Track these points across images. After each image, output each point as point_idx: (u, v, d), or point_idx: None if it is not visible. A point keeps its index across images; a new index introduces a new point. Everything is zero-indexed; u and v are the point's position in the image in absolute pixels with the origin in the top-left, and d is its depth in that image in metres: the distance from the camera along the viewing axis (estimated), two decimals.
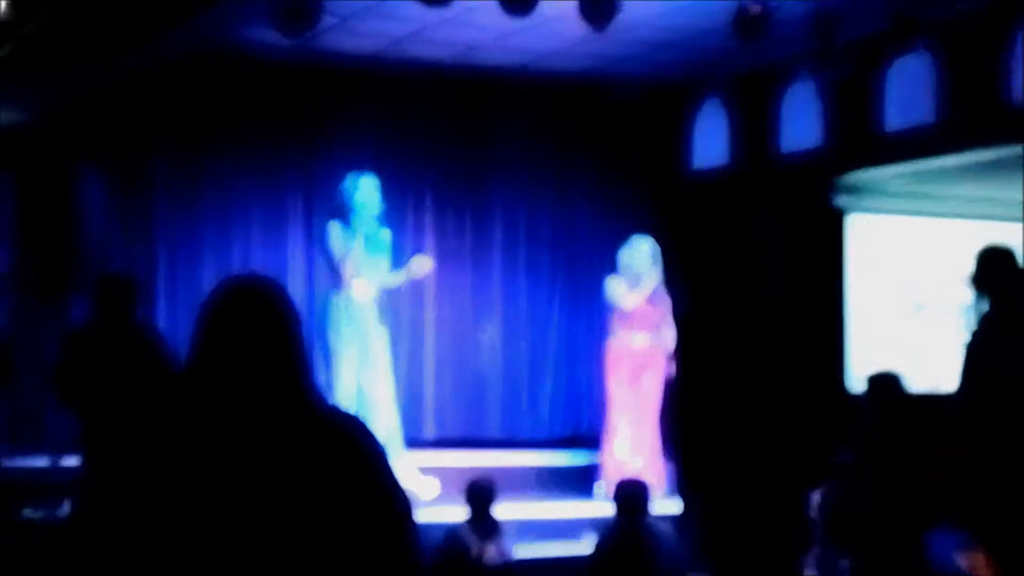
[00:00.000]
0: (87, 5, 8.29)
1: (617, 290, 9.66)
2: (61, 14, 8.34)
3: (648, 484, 7.66)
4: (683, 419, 9.10)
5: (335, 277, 9.05)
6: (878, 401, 6.63)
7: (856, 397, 7.96)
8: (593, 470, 9.74)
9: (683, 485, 9.18)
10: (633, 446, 9.44)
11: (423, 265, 9.22)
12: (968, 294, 6.30)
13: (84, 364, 7.14)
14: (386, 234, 9.17)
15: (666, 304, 9.73)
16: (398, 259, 9.34)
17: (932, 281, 11.15)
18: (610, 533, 7.31)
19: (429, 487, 8.97)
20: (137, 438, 2.76)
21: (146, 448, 2.73)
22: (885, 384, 6.70)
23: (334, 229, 8.96)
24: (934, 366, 9.79)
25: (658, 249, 9.70)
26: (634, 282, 9.62)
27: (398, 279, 9.25)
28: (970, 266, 6.14)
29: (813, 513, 6.62)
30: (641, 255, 9.63)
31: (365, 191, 8.98)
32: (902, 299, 11.06)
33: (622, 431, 9.51)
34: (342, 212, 9.00)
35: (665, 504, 8.68)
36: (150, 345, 7.20)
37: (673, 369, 9.59)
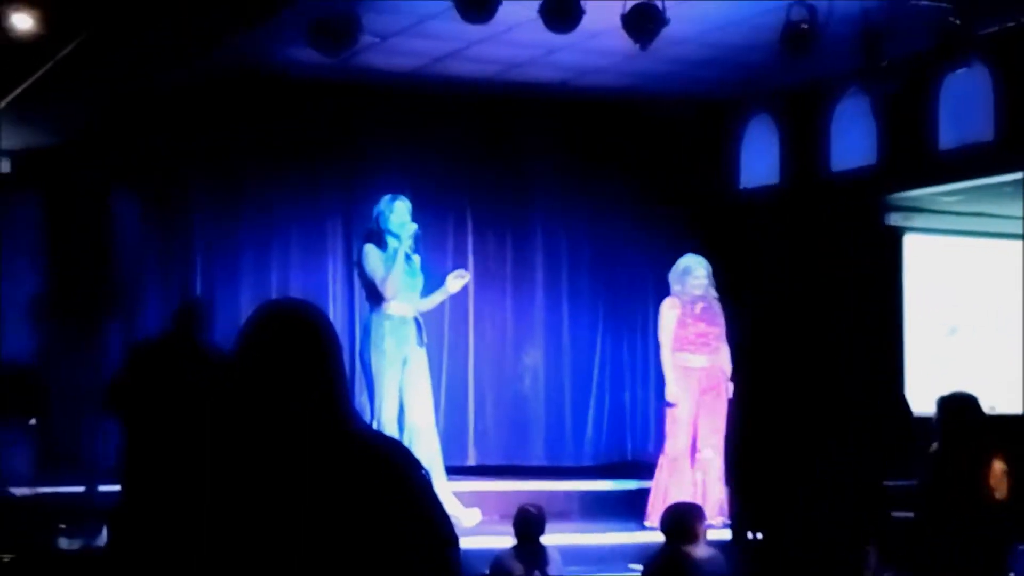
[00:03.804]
0: (124, 25, 8.23)
1: (666, 315, 9.41)
2: (97, 35, 8.29)
3: (698, 509, 7.46)
4: (741, 443, 8.91)
5: (373, 299, 8.93)
6: (950, 424, 6.33)
7: (916, 419, 7.75)
8: (638, 496, 9.52)
9: (742, 512, 8.97)
10: (700, 470, 9.23)
11: (459, 280, 9.06)
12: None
13: (140, 374, 7.44)
14: (416, 259, 9.03)
15: (722, 323, 9.50)
16: (436, 282, 9.17)
17: (987, 302, 10.97)
18: (656, 559, 7.13)
19: (471, 515, 8.83)
20: (174, 462, 2.74)
21: (183, 472, 2.70)
22: (958, 406, 6.41)
23: (371, 251, 8.85)
24: (988, 387, 9.56)
25: (710, 267, 9.48)
26: (688, 302, 9.38)
27: (435, 300, 9.11)
28: None
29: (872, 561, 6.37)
30: (695, 273, 9.39)
31: (399, 214, 8.88)
32: (956, 320, 10.88)
33: (682, 455, 9.28)
34: (376, 235, 8.89)
35: (723, 531, 8.47)
36: (209, 365, 7.26)
37: (731, 389, 9.38)
